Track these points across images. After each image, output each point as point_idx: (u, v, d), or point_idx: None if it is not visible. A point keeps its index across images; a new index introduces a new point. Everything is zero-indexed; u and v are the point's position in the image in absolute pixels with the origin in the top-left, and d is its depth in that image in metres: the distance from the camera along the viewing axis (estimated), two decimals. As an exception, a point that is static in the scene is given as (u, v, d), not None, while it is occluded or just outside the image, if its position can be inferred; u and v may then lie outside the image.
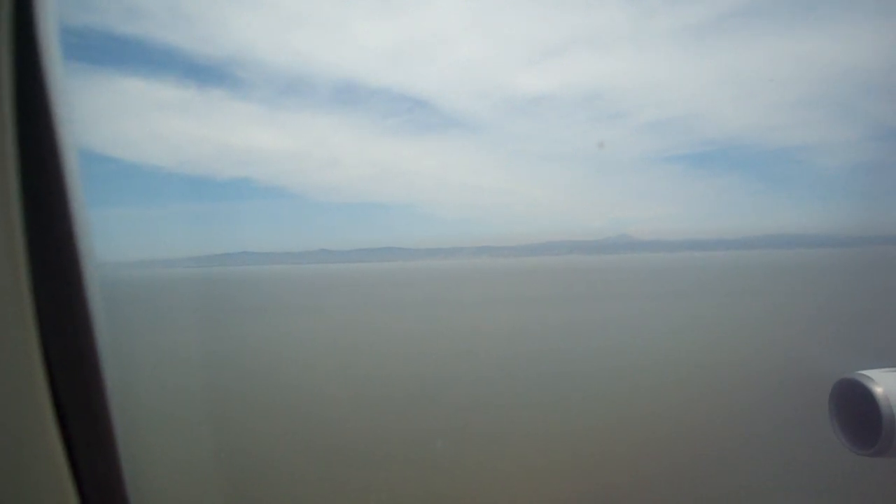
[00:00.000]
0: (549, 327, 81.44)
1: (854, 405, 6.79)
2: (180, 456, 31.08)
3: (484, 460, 30.97)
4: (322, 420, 38.38)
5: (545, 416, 38.33)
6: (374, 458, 31.81)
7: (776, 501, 25.55)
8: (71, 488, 1.89)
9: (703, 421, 35.80)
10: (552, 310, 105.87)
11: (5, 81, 1.70)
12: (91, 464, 1.98)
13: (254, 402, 42.51)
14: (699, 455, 30.01)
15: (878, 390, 6.52)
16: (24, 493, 1.93)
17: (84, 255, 1.84)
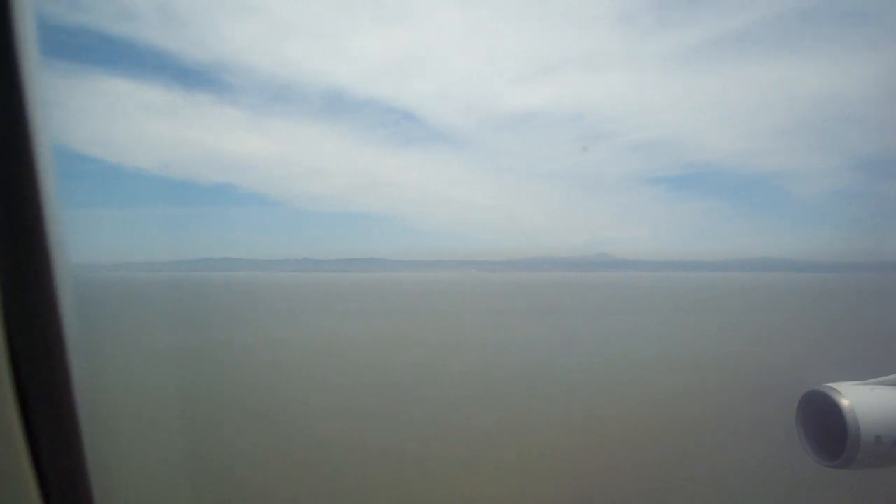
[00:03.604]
0: (523, 339, 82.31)
1: (821, 417, 6.92)
2: (147, 456, 30.65)
3: (459, 462, 31.04)
4: (289, 421, 38.20)
5: (514, 420, 38.60)
6: (339, 458, 31.73)
7: None
8: (34, 489, 1.97)
9: (674, 429, 36.38)
10: (528, 322, 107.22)
11: None
12: (56, 464, 1.96)
13: (221, 404, 42.11)
14: (671, 462, 30.47)
15: (844, 402, 6.71)
16: None
17: (55, 255, 1.90)
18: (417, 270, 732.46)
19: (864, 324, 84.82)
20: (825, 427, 6.96)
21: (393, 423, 38.98)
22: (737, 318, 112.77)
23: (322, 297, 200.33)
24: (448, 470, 29.70)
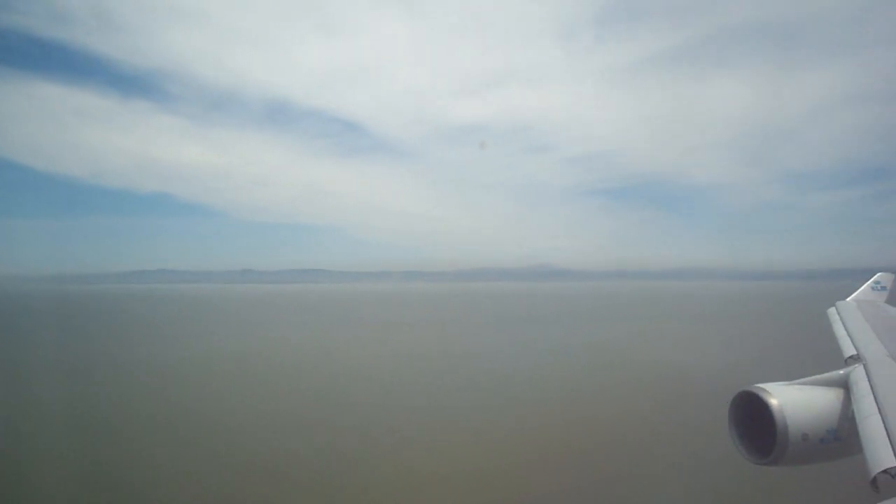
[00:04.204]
0: (471, 347, 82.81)
1: (751, 416, 7.14)
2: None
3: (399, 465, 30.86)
4: (184, 435, 37.50)
5: (459, 424, 38.73)
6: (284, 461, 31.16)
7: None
8: None
9: (610, 431, 37.36)
10: (474, 331, 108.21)
11: None
12: None
13: (102, 418, 41.15)
14: (605, 463, 31.17)
15: (773, 402, 6.95)
16: None
17: None
18: (363, 281, 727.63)
19: (790, 327, 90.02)
20: (755, 426, 7.14)
21: (318, 430, 38.48)
22: (672, 324, 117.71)
23: (259, 308, 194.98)
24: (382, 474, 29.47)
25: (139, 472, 30.30)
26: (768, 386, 7.26)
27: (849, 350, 8.57)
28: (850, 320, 10.61)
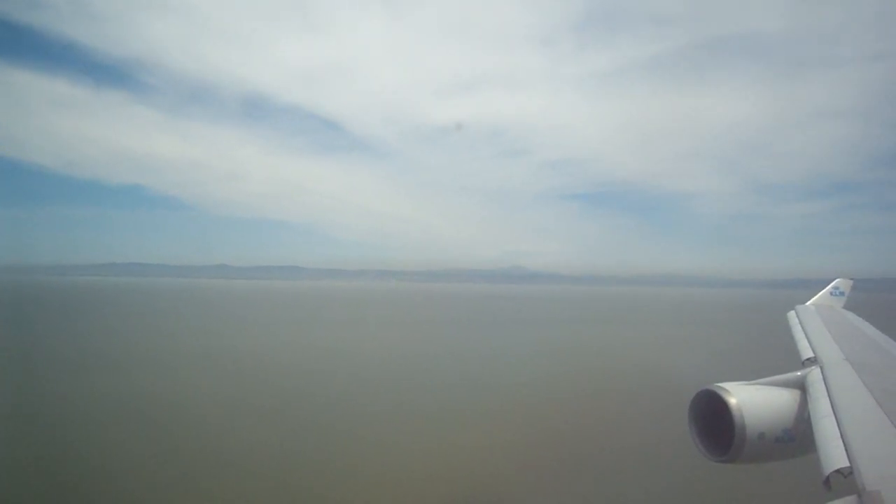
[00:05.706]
0: (442, 348, 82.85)
1: (711, 415, 7.28)
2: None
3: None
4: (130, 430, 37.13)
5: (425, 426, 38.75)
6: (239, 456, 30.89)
7: (642, 501, 27.18)
8: None
9: (578, 430, 37.78)
10: (446, 331, 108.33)
11: None
12: None
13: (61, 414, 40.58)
14: (575, 460, 31.48)
15: (732, 401, 7.09)
16: None
17: None
18: (338, 279, 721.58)
19: (756, 332, 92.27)
20: (715, 424, 7.26)
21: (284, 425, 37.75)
22: (641, 328, 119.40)
23: (234, 304, 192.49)
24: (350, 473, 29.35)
25: (92, 467, 29.70)
26: (728, 385, 7.40)
27: (806, 352, 8.77)
28: (808, 324, 10.88)
